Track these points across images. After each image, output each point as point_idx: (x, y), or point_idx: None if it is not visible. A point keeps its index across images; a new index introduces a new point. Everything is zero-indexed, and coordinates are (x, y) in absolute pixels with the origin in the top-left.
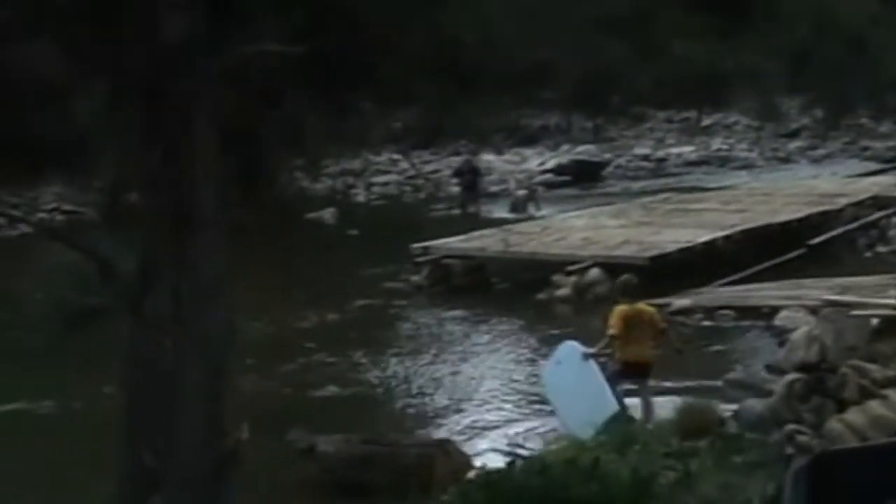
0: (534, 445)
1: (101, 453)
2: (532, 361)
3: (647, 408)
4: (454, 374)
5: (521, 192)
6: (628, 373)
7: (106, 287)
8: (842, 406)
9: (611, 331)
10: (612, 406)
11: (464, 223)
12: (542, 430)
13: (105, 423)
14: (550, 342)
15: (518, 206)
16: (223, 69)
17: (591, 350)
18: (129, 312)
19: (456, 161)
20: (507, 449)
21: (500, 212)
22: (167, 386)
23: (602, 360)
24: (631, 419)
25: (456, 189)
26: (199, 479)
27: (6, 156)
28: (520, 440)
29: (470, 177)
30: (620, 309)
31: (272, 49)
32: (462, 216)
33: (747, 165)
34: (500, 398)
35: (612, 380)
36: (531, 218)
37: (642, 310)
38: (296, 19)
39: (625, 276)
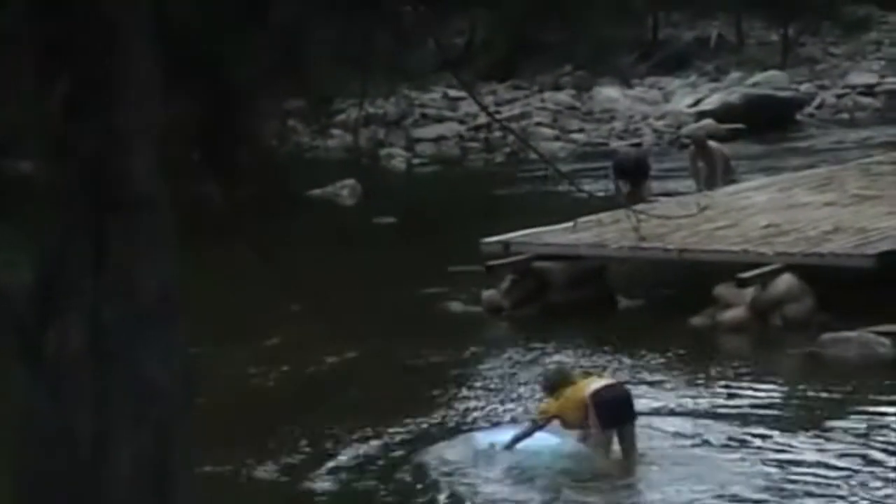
0: None
1: None
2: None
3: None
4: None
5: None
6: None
7: None
8: None
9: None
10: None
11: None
12: None
13: None
14: (718, 400)
15: (700, 179)
16: None
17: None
18: (22, 352)
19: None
20: None
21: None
22: (83, 468)
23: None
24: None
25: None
26: None
27: None
28: None
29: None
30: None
31: None
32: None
33: None
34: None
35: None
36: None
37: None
38: None
39: (552, 368)
